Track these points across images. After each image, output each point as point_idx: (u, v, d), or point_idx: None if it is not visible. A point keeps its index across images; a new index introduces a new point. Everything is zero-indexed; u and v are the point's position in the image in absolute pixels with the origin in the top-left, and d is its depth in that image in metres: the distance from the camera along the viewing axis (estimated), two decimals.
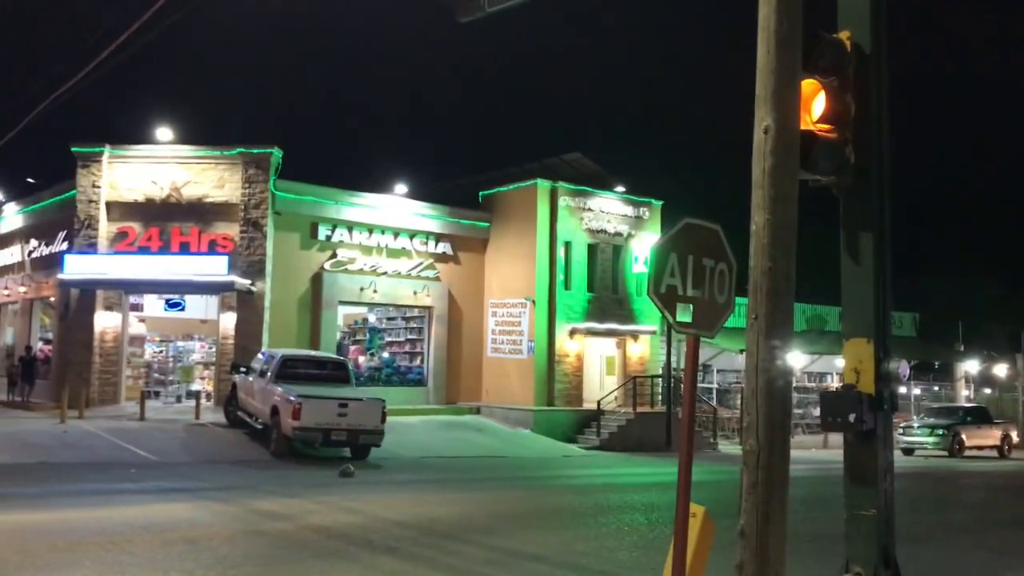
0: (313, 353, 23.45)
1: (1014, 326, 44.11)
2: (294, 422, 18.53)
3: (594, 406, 28.63)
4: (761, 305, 5.67)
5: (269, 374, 20.38)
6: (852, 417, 7.18)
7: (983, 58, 73.52)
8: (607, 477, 19.05)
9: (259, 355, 22.44)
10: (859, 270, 7.52)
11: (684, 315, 5.44)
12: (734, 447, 30.47)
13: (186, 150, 25.88)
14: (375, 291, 27.59)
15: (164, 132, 26.29)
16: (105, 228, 25.69)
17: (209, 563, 8.33)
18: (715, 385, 36.38)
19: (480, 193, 30.74)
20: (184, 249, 25.25)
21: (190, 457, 18.60)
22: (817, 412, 38.02)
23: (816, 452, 31.98)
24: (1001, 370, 40.90)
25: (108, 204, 25.70)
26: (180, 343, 28.20)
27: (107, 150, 25.61)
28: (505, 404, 28.57)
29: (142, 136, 26.56)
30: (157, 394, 27.31)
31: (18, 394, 25.84)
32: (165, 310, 26.69)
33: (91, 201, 25.59)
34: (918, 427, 32.83)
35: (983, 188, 64.47)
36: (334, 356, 23.78)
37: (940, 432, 31.77)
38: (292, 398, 18.71)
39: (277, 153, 25.74)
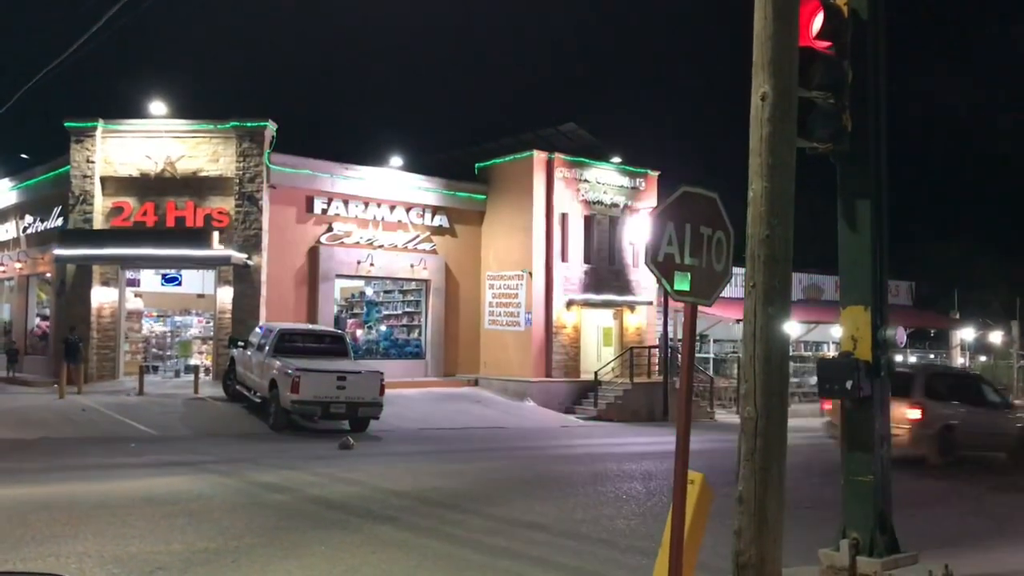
0: (311, 327, 23.49)
1: (1009, 294, 44.30)
2: (293, 395, 18.58)
3: (591, 377, 28.76)
4: (759, 273, 5.68)
5: (267, 348, 20.40)
6: (849, 384, 7.24)
7: (986, 19, 73.12)
8: (604, 447, 19.14)
9: (257, 329, 22.45)
10: (856, 237, 7.55)
11: (682, 283, 5.42)
12: (731, 416, 30.60)
13: (180, 124, 25.75)
14: (372, 264, 27.57)
15: (158, 106, 26.14)
16: (100, 203, 25.60)
17: (211, 534, 8.38)
18: (712, 355, 36.40)
19: (476, 165, 30.64)
20: (180, 224, 25.19)
21: (190, 431, 18.66)
22: (813, 381, 38.20)
23: (813, 420, 32.13)
24: (996, 337, 41.06)
25: (103, 179, 25.60)
26: (178, 318, 28.19)
27: (100, 125, 25.48)
28: (503, 376, 28.65)
29: (136, 111, 26.44)
30: (155, 369, 27.36)
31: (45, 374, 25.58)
32: (162, 285, 26.67)
33: (85, 176, 25.48)
34: None
35: (978, 156, 64.34)
36: (332, 329, 23.80)
37: None
38: (290, 371, 18.74)
39: (272, 126, 25.62)
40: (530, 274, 28.52)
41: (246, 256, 25.01)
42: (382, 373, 19.86)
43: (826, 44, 7.17)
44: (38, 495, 10.15)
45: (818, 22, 7.07)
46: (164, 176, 25.56)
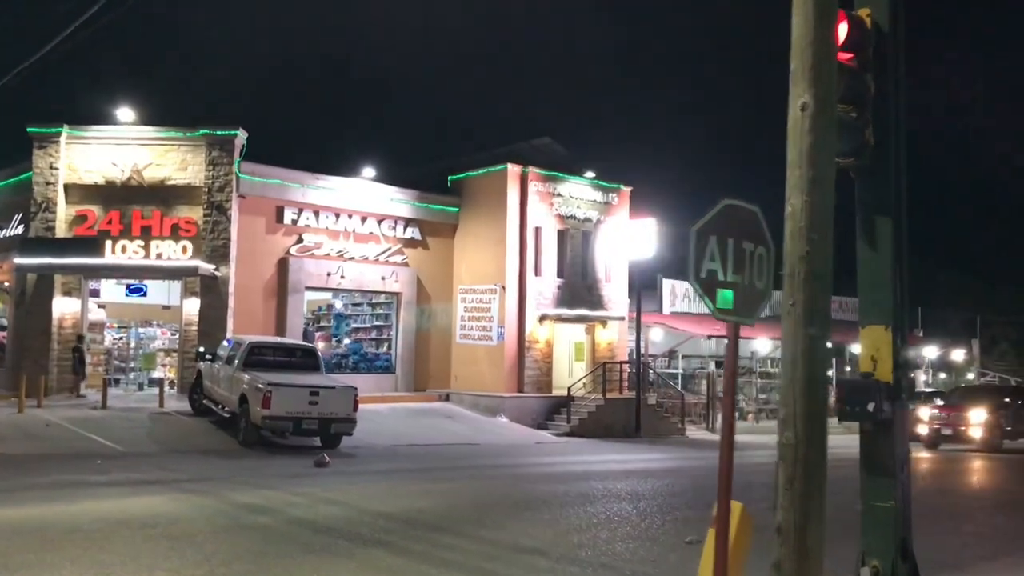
0: (282, 340, 22.99)
1: (970, 312, 44.84)
2: (264, 411, 18.07)
3: (563, 392, 28.52)
4: (798, 291, 5.39)
5: (236, 361, 19.88)
6: (871, 406, 7.00)
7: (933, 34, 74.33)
8: (584, 464, 18.84)
9: (225, 342, 21.90)
10: (876, 255, 7.34)
11: (724, 302, 5.14)
12: (701, 432, 30.53)
13: (148, 131, 25.14)
14: (343, 276, 27.09)
15: (125, 112, 25.51)
16: (63, 211, 24.91)
17: (196, 560, 7.94)
18: (680, 371, 36.35)
19: (449, 178, 30.33)
20: (146, 233, 24.55)
21: (157, 447, 18.06)
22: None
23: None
24: (959, 355, 41.47)
25: (66, 187, 24.92)
26: (141, 329, 27.49)
27: (65, 130, 24.81)
28: (475, 391, 28.27)
29: (102, 117, 25.77)
30: (117, 382, 26.64)
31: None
32: (126, 296, 25.98)
33: (48, 183, 24.78)
34: None
35: (940, 176, 65.30)
36: (303, 343, 23.30)
37: None
38: (261, 386, 18.24)
39: (242, 135, 25.11)
40: (503, 288, 28.22)
41: (214, 267, 24.44)
42: (355, 388, 19.41)
43: (849, 56, 6.96)
44: (5, 519, 9.61)
45: (842, 33, 6.86)
46: (130, 184, 24.93)
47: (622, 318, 30.67)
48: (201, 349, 22.27)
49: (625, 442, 25.91)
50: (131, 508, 10.41)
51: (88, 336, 25.40)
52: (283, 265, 26.36)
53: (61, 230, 24.74)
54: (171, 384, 25.44)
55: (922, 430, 26.64)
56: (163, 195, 24.99)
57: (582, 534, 10.14)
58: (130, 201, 24.87)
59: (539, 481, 15.37)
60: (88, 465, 14.91)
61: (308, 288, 26.99)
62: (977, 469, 22.17)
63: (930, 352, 41.33)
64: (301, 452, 18.73)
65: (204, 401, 21.69)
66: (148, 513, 10.10)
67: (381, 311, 29.60)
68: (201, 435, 19.93)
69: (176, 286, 25.81)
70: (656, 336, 34.37)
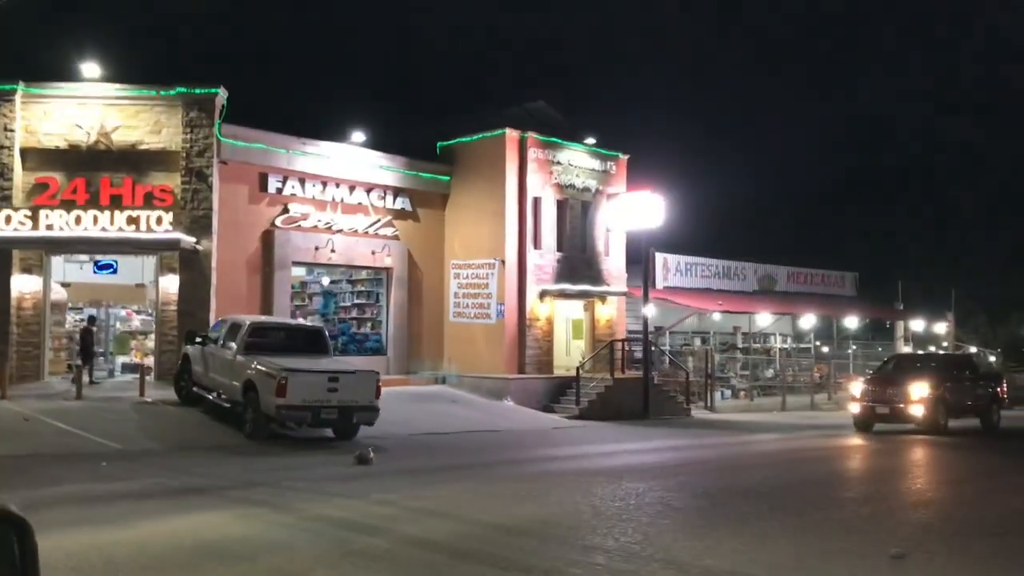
0: (285, 320, 20.85)
1: (948, 284, 44.45)
2: (279, 400, 15.97)
3: (564, 373, 26.90)
4: None
5: (236, 345, 17.71)
6: None
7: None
8: (633, 455, 17.15)
9: (217, 323, 19.68)
10: None
11: None
12: (701, 412, 29.15)
13: (117, 89, 22.53)
14: (333, 251, 24.90)
15: (91, 68, 22.82)
16: (20, 179, 22.25)
17: None
18: (667, 347, 34.98)
19: (438, 144, 28.23)
20: (115, 203, 21.99)
21: (156, 443, 15.85)
22: (769, 373, 37.21)
23: (778, 415, 31.02)
24: (941, 328, 40.98)
25: (24, 151, 22.25)
26: (112, 311, 24.89)
27: (21, 88, 22.09)
28: (472, 372, 26.38)
29: (65, 72, 23.07)
30: (77, 367, 24.10)
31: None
32: (94, 273, 23.40)
33: (2, 147, 22.08)
34: None
35: (921, 150, 65.37)
36: (309, 323, 21.20)
37: None
38: (275, 372, 16.14)
39: (223, 94, 22.71)
40: (503, 263, 26.35)
41: (195, 240, 22.07)
42: (377, 373, 17.47)
43: None
44: (55, 549, 7.49)
45: None
46: (98, 148, 22.36)
47: (624, 293, 29.10)
48: (192, 331, 19.87)
49: (639, 425, 24.33)
50: (200, 530, 8.35)
51: (51, 318, 22.82)
52: (268, 238, 24.07)
53: (18, 199, 22.07)
54: (147, 370, 23.04)
55: (854, 408, 22.96)
56: (134, 160, 22.48)
57: (759, 550, 8.41)
58: (97, 167, 22.30)
59: (610, 477, 13.60)
60: (93, 469, 12.72)
61: (295, 263, 24.77)
62: (916, 463, 17.61)
63: (917, 325, 40.68)
64: (318, 445, 16.78)
65: (194, 389, 19.43)
66: (227, 537, 8.06)
67: (368, 288, 27.49)
68: (198, 428, 17.75)
69: (150, 262, 23.35)
70: (649, 312, 32.83)
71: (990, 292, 45.41)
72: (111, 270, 23.38)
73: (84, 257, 23.38)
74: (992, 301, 45.38)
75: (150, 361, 24.14)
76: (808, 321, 35.94)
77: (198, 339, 19.24)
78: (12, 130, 22.11)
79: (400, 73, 71.62)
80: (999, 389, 24.99)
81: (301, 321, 21.60)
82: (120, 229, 21.43)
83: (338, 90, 66.43)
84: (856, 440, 21.12)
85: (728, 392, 33.26)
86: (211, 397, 18.72)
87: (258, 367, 16.66)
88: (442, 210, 27.90)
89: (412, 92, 68.25)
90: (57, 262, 23.20)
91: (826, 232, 48.27)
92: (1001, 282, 45.14)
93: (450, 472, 13.57)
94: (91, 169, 22.28)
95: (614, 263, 29.24)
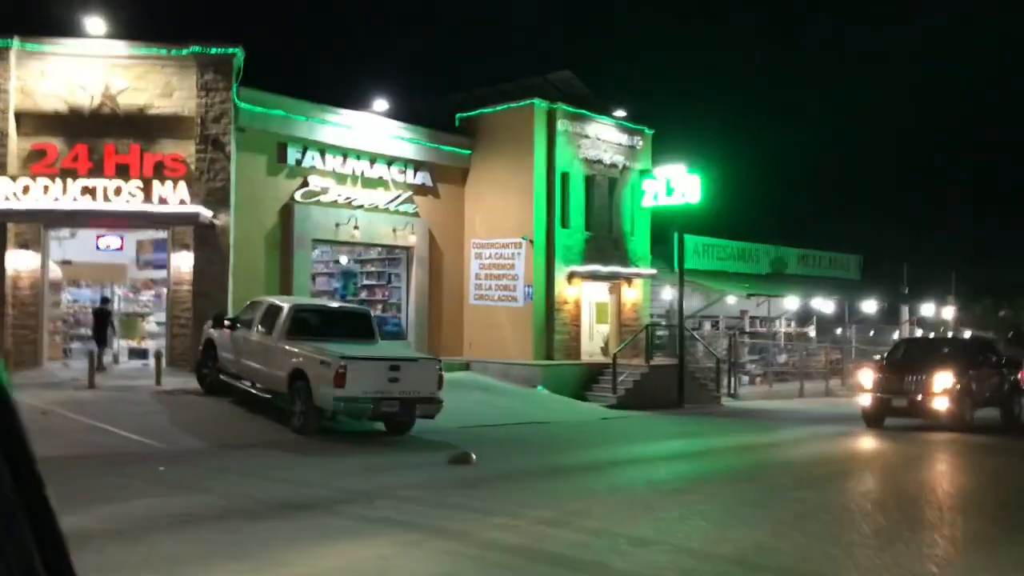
0: (328, 303, 19.11)
1: (948, 269, 43.79)
2: (337, 391, 14.27)
3: (590, 359, 25.55)
4: None
5: (276, 329, 15.96)
6: None
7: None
8: (745, 452, 15.76)
9: (248, 305, 17.87)
10: None
11: None
12: (726, 400, 27.88)
13: (124, 47, 20.47)
14: (356, 227, 23.10)
15: (95, 23, 20.71)
16: (16, 145, 20.16)
17: None
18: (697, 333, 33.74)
19: (457, 116, 26.49)
20: (122, 172, 20.01)
21: (200, 440, 14.08)
22: (783, 359, 36.14)
23: (796, 402, 29.94)
24: (948, 312, 40.29)
25: (19, 115, 20.15)
26: (119, 291, 22.91)
27: (16, 44, 19.96)
28: (496, 359, 24.79)
29: (66, 28, 20.92)
30: (69, 352, 22.17)
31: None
32: (98, 250, 21.35)
33: None
34: None
35: (928, 137, 64.90)
36: (354, 306, 19.45)
37: None
38: (331, 360, 14.44)
39: (240, 54, 20.78)
40: (531, 242, 24.77)
41: (211, 214, 20.18)
42: (439, 361, 15.83)
43: None
44: None
45: None
46: (102, 112, 20.35)
47: (654, 275, 27.70)
48: (220, 314, 17.98)
49: (680, 415, 23.06)
50: (367, 571, 6.70)
51: (50, 299, 20.80)
52: (287, 213, 22.22)
53: (13, 167, 19.99)
54: (158, 356, 21.15)
55: (864, 400, 19.86)
56: (143, 126, 20.48)
57: None
58: (101, 133, 20.27)
59: (793, 481, 12.18)
60: (151, 474, 10.99)
61: (315, 241, 22.96)
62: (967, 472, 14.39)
63: (927, 310, 39.87)
64: (378, 442, 15.18)
65: (220, 377, 17.62)
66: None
67: (384, 269, 25.77)
68: (235, 422, 15.98)
69: (130, 239, 21.42)
70: (667, 296, 31.54)
71: (991, 276, 44.79)
72: (117, 247, 21.33)
73: (89, 232, 21.31)
74: (993, 286, 44.79)
75: (147, 346, 22.31)
76: (826, 305, 34.80)
77: (227, 322, 17.40)
78: (6, 91, 20.00)
79: (413, 41, 68.57)
80: (1020, 377, 23.21)
81: (346, 304, 19.86)
82: (127, 201, 19.49)
83: (349, 57, 63.41)
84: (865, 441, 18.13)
85: (745, 378, 32.09)
86: (243, 386, 16.96)
87: (309, 354, 14.96)
88: (462, 186, 26.23)
89: (425, 61, 65.23)
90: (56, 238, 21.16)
91: (830, 213, 47.24)
92: (1004, 266, 44.53)
93: (558, 477, 11.95)
94: (94, 135, 20.25)
95: (640, 243, 27.83)
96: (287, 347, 15.55)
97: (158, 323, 22.99)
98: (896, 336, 40.21)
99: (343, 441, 14.87)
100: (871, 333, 38.37)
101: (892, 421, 19.41)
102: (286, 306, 16.36)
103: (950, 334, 40.68)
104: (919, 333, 39.50)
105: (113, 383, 18.36)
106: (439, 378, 15.45)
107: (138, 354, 21.24)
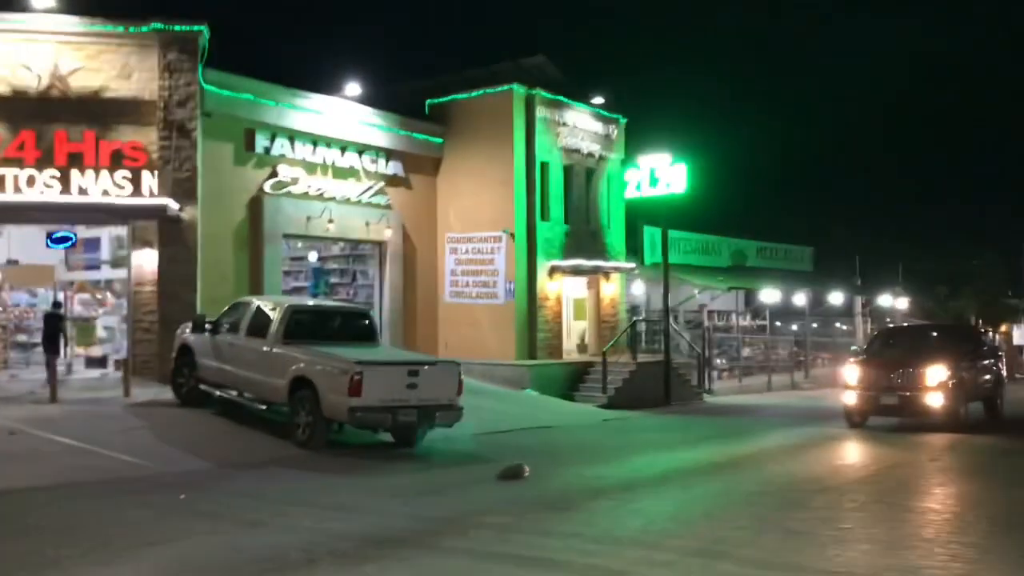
0: (327, 303, 17.52)
1: (896, 259, 44.06)
2: (352, 400, 12.77)
3: (572, 358, 24.48)
4: None
5: (271, 333, 14.36)
6: None
7: None
8: (779, 457, 14.76)
9: (231, 306, 16.20)
10: None
11: None
12: (709, 397, 27.07)
13: (75, 23, 18.47)
14: (331, 220, 21.46)
15: None
16: None
17: None
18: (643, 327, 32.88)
19: (428, 102, 25.02)
20: (75, 162, 18.06)
21: (200, 460, 12.39)
22: (747, 352, 35.54)
23: (766, 396, 29.38)
24: (902, 303, 40.40)
25: None
26: (30, 293, 20.87)
27: None
28: (476, 358, 23.31)
29: (8, 0, 18.75)
30: (7, 362, 20.10)
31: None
32: (48, 247, 19.28)
33: None
34: None
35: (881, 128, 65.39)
36: (354, 306, 17.88)
37: None
38: (344, 365, 12.95)
39: (206, 32, 18.99)
40: (512, 236, 23.50)
41: (178, 207, 18.38)
42: (459, 364, 14.43)
43: None
44: None
45: None
46: (51, 95, 18.39)
47: (633, 269, 26.73)
48: (200, 317, 16.18)
49: (672, 413, 22.14)
50: None
51: None
52: (256, 206, 20.50)
53: None
54: (116, 365, 19.26)
55: (848, 398, 17.78)
56: (97, 111, 18.55)
57: None
58: (50, 118, 18.29)
59: (879, 487, 11.15)
60: (172, 505, 9.39)
61: (286, 236, 21.25)
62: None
63: (885, 300, 39.82)
64: (390, 456, 13.72)
65: (200, 386, 15.88)
66: None
67: (347, 266, 24.22)
68: (227, 436, 14.31)
69: (114, 236, 19.51)
70: (638, 290, 30.64)
71: (939, 266, 45.24)
72: (69, 244, 19.30)
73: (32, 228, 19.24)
74: (942, 275, 45.23)
75: (97, 352, 20.39)
76: (794, 298, 34.33)
77: (207, 326, 15.67)
78: None
79: (376, 24, 65.75)
80: (1001, 367, 22.46)
81: (345, 304, 18.27)
82: (82, 193, 17.61)
83: (308, 39, 60.36)
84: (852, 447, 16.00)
85: (714, 373, 31.38)
86: (228, 396, 15.30)
87: (315, 360, 13.43)
88: (434, 176, 24.79)
89: (389, 45, 62.48)
90: (32, 234, 19.10)
91: (778, 205, 47.06)
92: (952, 255, 45.06)
93: (635, 492, 10.57)
94: (42, 120, 18.27)
95: (616, 236, 26.83)
96: (286, 352, 13.98)
97: (105, 328, 21.08)
98: (860, 327, 40.23)
99: (354, 455, 13.40)
100: (815, 325, 38.18)
101: (876, 420, 17.88)
102: (281, 307, 14.75)
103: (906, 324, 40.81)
104: (869, 325, 39.50)
105: (76, 395, 16.44)
106: (459, 383, 14.09)
107: (96, 363, 19.25)
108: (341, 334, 14.95)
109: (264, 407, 14.58)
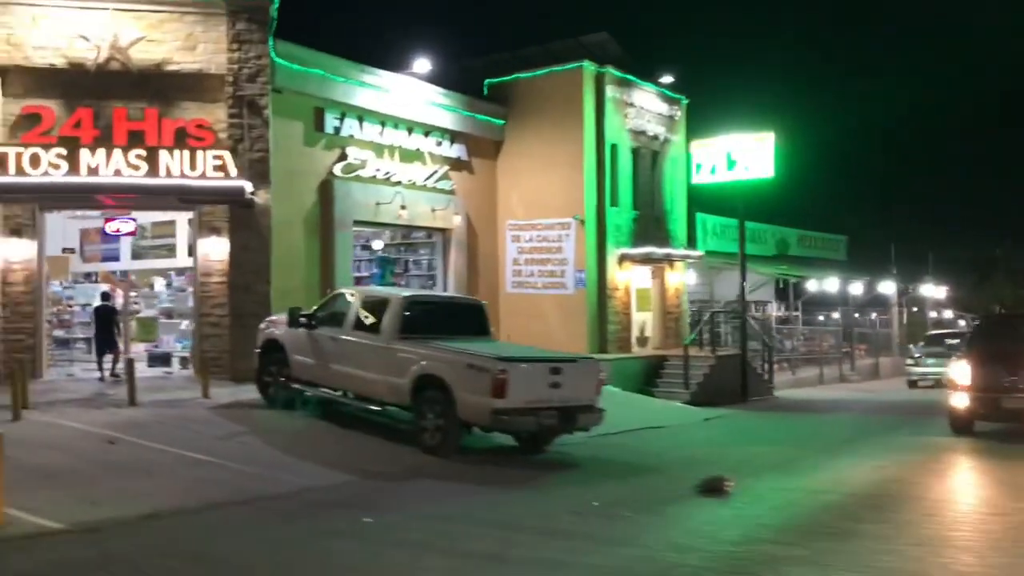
0: (442, 294, 16.13)
1: (926, 248, 43.23)
2: (496, 401, 11.46)
3: (642, 351, 23.25)
4: None
5: (385, 326, 12.98)
6: None
7: None
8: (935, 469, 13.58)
9: (331, 297, 14.84)
10: None
11: None
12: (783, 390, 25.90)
13: None
14: (403, 207, 20.04)
15: None
16: (2, 107, 16.49)
17: None
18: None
19: (486, 82, 23.60)
20: (136, 141, 16.51)
21: (338, 472, 10.95)
22: (788, 345, 34.45)
23: (823, 390, 28.39)
24: (941, 292, 39.55)
25: (5, 70, 16.53)
26: (89, 287, 19.34)
27: None
28: None
29: None
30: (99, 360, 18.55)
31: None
32: (104, 235, 17.73)
33: None
34: (927, 356, 29.71)
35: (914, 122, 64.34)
36: (467, 297, 16.51)
37: None
38: (487, 364, 11.60)
39: (275, 1, 17.49)
40: (582, 222, 22.18)
41: (251, 189, 16.90)
42: (599, 362, 13.12)
43: None
44: None
45: None
46: (109, 69, 16.80)
47: (701, 257, 25.50)
48: (295, 309, 14.66)
49: (758, 409, 21.11)
50: None
51: (48, 295, 17.19)
52: (326, 190, 19.04)
53: (0, 135, 16.32)
54: (183, 362, 17.81)
55: (958, 400, 15.20)
56: (159, 86, 17.01)
57: None
58: (107, 95, 16.74)
59: None
60: (357, 527, 8.07)
61: (356, 223, 19.77)
62: None
63: (929, 291, 38.93)
64: (518, 461, 12.44)
65: (293, 385, 14.44)
66: None
67: (398, 255, 22.81)
68: (342, 442, 12.91)
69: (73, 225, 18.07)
70: (690, 279, 29.40)
71: (963, 255, 44.52)
72: (130, 231, 17.75)
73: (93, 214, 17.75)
74: (967, 264, 44.49)
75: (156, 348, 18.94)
76: (831, 285, 33.30)
77: (302, 319, 14.23)
78: None
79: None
80: None
81: (459, 295, 16.89)
82: (142, 173, 16.05)
83: (364, 13, 57.68)
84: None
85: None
86: (331, 396, 13.94)
87: (445, 357, 12.08)
88: (494, 160, 23.41)
89: (440, 23, 59.82)
90: (54, 222, 17.55)
91: (813, 193, 46.05)
92: (975, 243, 44.38)
93: (880, 511, 9.39)
94: (99, 97, 16.72)
95: (678, 223, 25.58)
96: (405, 348, 12.61)
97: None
98: (896, 317, 39.26)
99: (488, 461, 12.16)
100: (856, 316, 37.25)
101: (983, 426, 15.44)
102: (395, 298, 13.36)
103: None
104: (906, 315, 38.57)
105: (149, 397, 14.92)
106: (599, 383, 12.80)
107: (160, 360, 17.72)
108: (456, 327, 13.56)
109: (378, 408, 13.21)
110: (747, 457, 13.40)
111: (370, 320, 13.33)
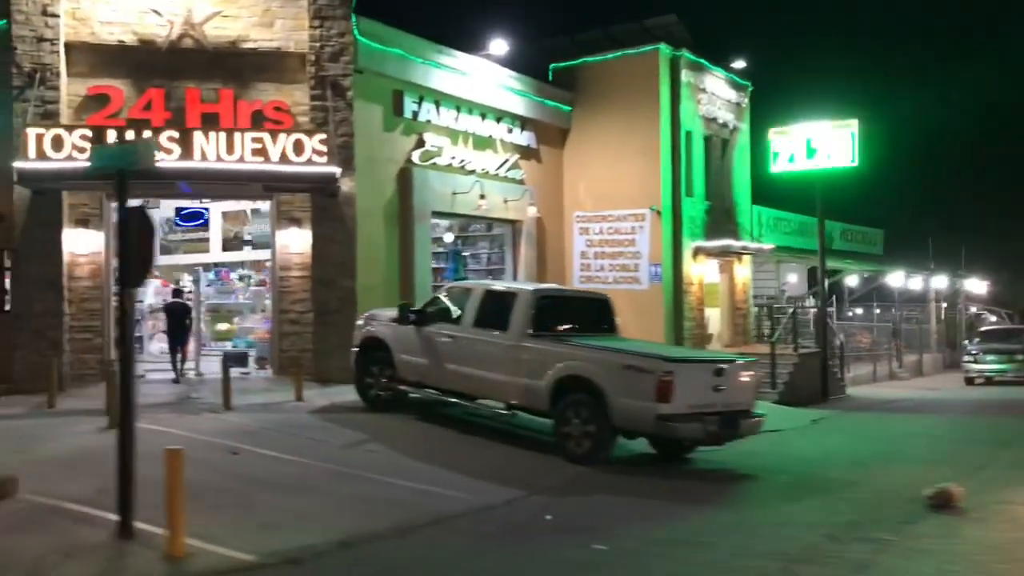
0: (570, 289, 15.06)
1: (959, 244, 42.35)
2: (661, 406, 10.36)
3: (715, 347, 22.18)
4: None
5: (514, 324, 11.85)
6: None
7: None
8: None
9: (445, 290, 13.73)
10: None
11: None
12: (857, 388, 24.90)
13: None
14: (483, 196, 18.89)
15: None
16: (67, 87, 15.24)
17: None
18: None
19: (551, 66, 22.45)
20: (210, 124, 15.27)
21: (501, 486, 9.76)
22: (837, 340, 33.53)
23: (880, 388, 27.42)
24: (981, 287, 38.73)
25: (70, 47, 15.30)
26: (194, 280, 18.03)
27: None
28: None
29: None
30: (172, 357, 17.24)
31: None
32: (176, 225, 16.48)
33: (41, 40, 15.07)
34: (985, 352, 28.91)
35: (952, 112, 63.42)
36: (592, 291, 15.37)
37: (1020, 358, 28.18)
38: (653, 365, 10.50)
39: None
40: (658, 213, 21.10)
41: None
42: (755, 360, 12.04)
43: None
44: None
45: None
46: (182, 47, 15.57)
47: (772, 250, 24.47)
48: (406, 305, 13.48)
49: (844, 409, 20.06)
50: None
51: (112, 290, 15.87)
52: (405, 178, 17.85)
53: (65, 116, 15.07)
54: (259, 362, 16.61)
55: None
56: (234, 65, 15.84)
57: None
58: (179, 74, 15.56)
59: None
60: (588, 555, 6.95)
61: (435, 214, 18.60)
62: None
63: (974, 286, 38.06)
64: (672, 470, 11.36)
65: (400, 387, 13.29)
66: None
67: (456, 247, 21.67)
68: (474, 450, 11.78)
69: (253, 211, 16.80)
70: (741, 273, 28.39)
71: (993, 250, 43.75)
72: (200, 221, 16.53)
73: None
74: (996, 259, 43.71)
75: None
76: (897, 280, 32.36)
77: (411, 315, 13.07)
78: (55, 15, 15.08)
79: None
80: None
81: (588, 289, 15.77)
82: (219, 159, 14.73)
83: None
84: None
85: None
86: (442, 398, 12.81)
87: (595, 357, 10.99)
88: (560, 148, 22.28)
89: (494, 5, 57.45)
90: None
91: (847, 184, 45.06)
92: (1006, 239, 43.64)
93: None
94: (170, 77, 15.53)
95: (746, 215, 24.57)
96: (542, 347, 11.50)
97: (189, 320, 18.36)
98: (933, 313, 38.37)
99: (640, 472, 11.08)
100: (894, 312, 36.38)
101: None
102: (523, 293, 12.23)
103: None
104: (943, 311, 37.70)
105: (244, 401, 13.73)
106: (756, 385, 11.73)
107: (236, 360, 16.48)
108: (584, 324, 12.49)
109: (506, 411, 12.08)
110: (915, 462, 12.35)
111: (493, 317, 12.20)
